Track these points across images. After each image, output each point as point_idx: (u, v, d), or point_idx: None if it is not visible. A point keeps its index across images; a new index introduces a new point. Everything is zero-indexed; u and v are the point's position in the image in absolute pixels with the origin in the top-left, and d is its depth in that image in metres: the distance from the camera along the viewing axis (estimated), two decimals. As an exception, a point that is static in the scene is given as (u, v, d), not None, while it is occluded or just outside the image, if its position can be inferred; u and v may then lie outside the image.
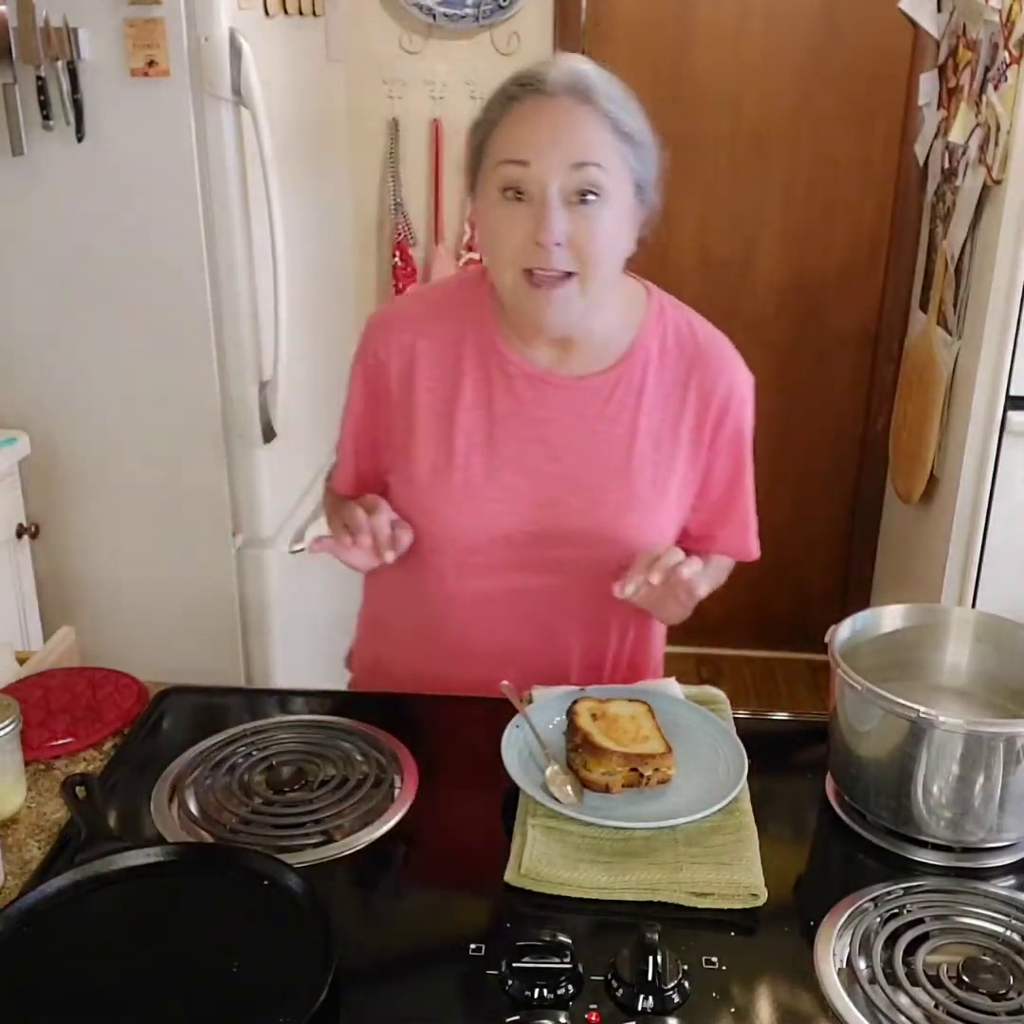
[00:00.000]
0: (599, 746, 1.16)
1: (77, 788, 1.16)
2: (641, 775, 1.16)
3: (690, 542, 1.43)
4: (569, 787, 1.15)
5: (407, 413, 1.37)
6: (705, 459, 1.40)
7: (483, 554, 1.37)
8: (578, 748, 1.18)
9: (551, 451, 1.35)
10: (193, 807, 1.16)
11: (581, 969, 0.94)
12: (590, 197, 1.21)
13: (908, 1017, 0.90)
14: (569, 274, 1.24)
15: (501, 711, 1.25)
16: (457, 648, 1.43)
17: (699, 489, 1.42)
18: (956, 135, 2.51)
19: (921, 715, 1.07)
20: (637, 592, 1.24)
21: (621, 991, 0.92)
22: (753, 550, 1.50)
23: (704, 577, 1.30)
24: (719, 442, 1.39)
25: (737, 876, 1.05)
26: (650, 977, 0.91)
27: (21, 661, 1.45)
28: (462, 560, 1.39)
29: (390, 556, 1.30)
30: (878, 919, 1.01)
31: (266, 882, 1.02)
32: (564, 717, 1.23)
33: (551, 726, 1.25)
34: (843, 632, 1.21)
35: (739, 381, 1.39)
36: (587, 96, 1.22)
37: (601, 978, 0.94)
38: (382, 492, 1.41)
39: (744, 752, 1.20)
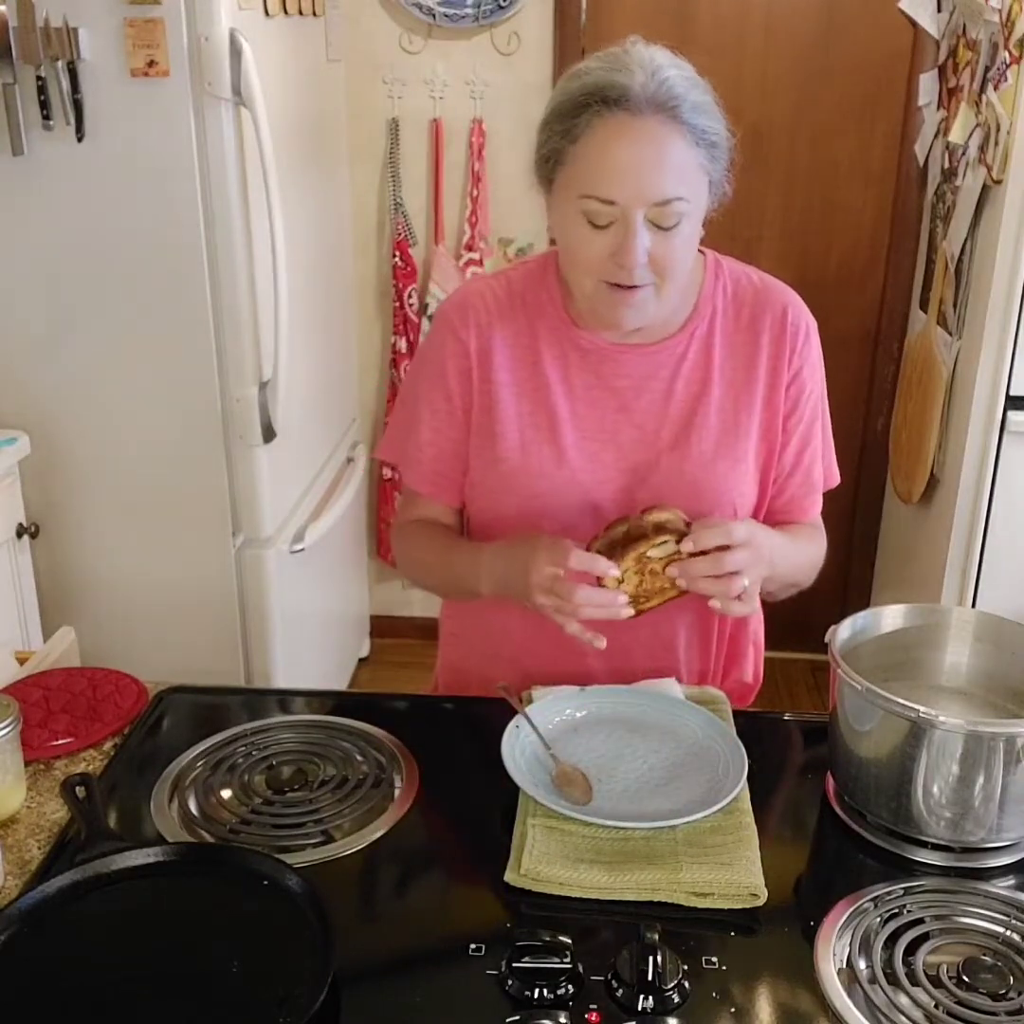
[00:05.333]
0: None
1: (77, 788, 1.16)
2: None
3: (772, 500, 1.43)
4: (577, 788, 1.16)
5: (488, 392, 1.38)
6: (783, 404, 1.38)
7: (575, 529, 1.35)
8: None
9: (632, 417, 1.36)
10: (193, 807, 1.16)
11: (581, 969, 0.94)
12: (673, 224, 1.22)
13: (908, 1017, 0.90)
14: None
15: (501, 711, 1.25)
16: (564, 644, 1.33)
17: (782, 438, 1.40)
18: (956, 135, 2.51)
19: (921, 715, 1.07)
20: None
21: (621, 991, 0.92)
22: (810, 511, 1.46)
23: (770, 557, 1.26)
24: (795, 386, 1.38)
25: (737, 876, 1.05)
26: (650, 977, 0.91)
27: (21, 661, 1.45)
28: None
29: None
30: (878, 919, 1.01)
31: (266, 882, 1.02)
32: (564, 717, 1.23)
33: (551, 726, 1.25)
34: (843, 632, 1.21)
35: (804, 319, 1.39)
36: (675, 112, 1.18)
37: (601, 978, 0.94)
38: (462, 485, 1.42)
39: (744, 752, 1.20)
